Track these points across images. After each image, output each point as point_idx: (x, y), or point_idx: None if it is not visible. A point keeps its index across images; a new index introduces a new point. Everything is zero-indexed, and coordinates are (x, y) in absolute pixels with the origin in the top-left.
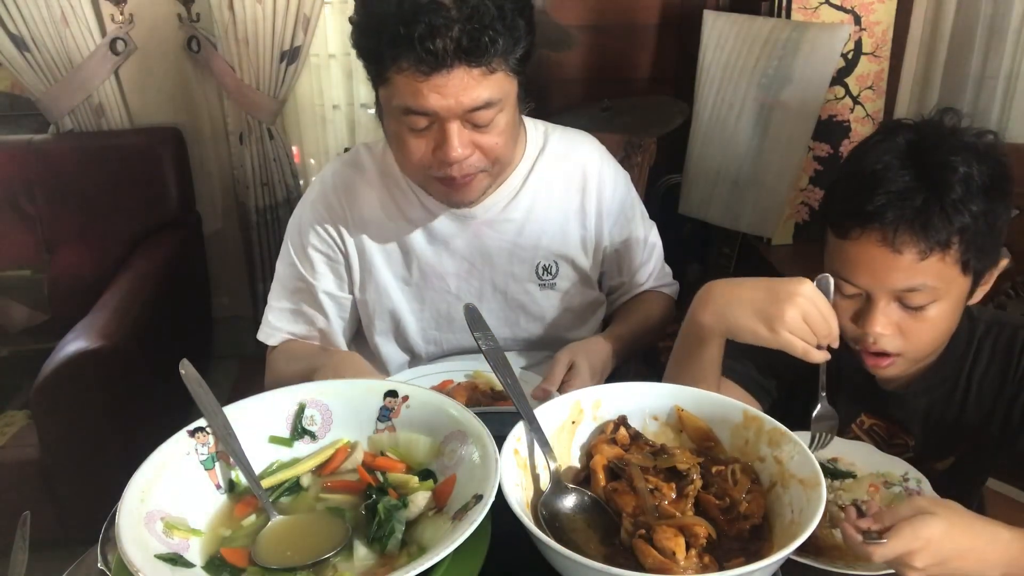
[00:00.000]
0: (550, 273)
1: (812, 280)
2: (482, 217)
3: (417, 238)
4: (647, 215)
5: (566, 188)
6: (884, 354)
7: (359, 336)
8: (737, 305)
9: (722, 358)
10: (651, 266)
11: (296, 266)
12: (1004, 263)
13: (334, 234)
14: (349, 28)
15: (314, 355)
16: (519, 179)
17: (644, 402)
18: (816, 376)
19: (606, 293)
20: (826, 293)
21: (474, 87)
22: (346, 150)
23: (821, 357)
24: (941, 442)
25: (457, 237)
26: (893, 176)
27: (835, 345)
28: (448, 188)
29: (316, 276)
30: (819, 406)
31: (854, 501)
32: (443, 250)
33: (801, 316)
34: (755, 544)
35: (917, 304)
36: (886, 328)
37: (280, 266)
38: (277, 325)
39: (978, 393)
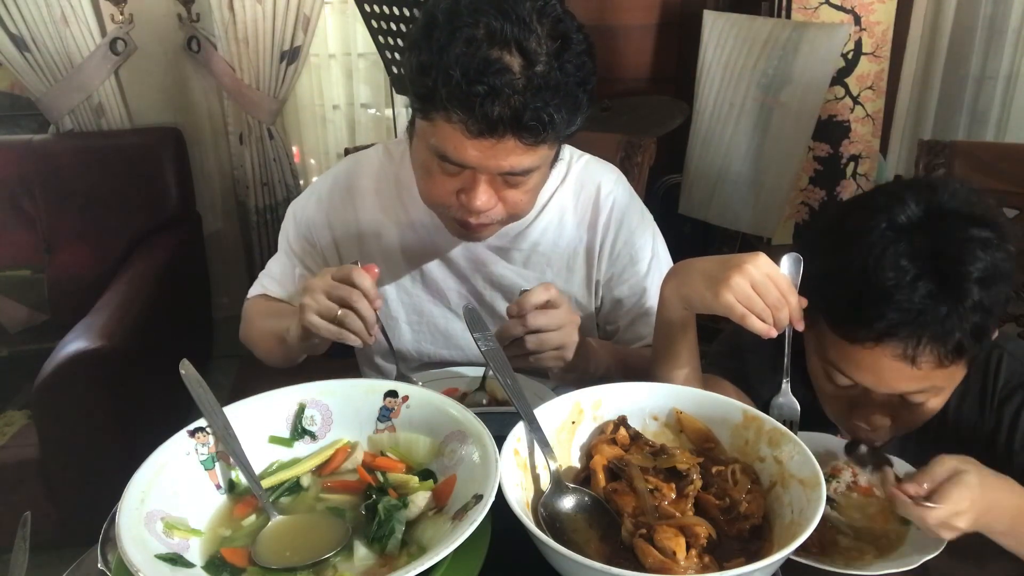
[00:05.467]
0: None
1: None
2: (491, 242)
3: (422, 250)
4: (665, 264)
5: (578, 225)
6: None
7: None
8: (693, 273)
9: (695, 339)
10: (653, 321)
11: (288, 255)
12: (995, 333)
13: (331, 236)
14: (348, 28)
15: (284, 314)
16: (535, 210)
17: (644, 402)
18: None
19: (601, 338)
20: (794, 271)
21: (519, 155)
22: (346, 150)
23: (762, 327)
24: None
25: (463, 257)
26: (907, 290)
27: (798, 326)
28: (461, 228)
29: (295, 280)
30: (779, 394)
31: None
32: (447, 267)
33: (748, 283)
34: (755, 544)
35: (920, 401)
36: (885, 420)
37: (281, 241)
38: (265, 284)
39: (956, 422)
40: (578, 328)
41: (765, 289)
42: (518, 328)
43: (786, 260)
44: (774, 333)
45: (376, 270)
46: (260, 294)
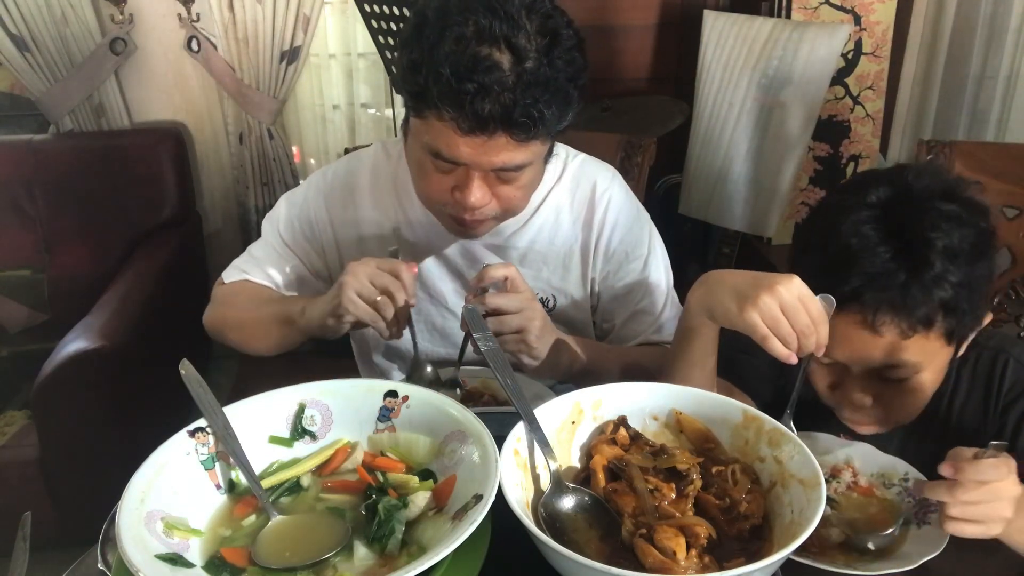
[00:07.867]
0: (547, 305)
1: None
2: (487, 240)
3: (419, 250)
4: (662, 261)
5: (573, 223)
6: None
7: (345, 339)
8: (721, 286)
9: (715, 349)
10: (649, 318)
11: (275, 246)
12: (989, 318)
13: (332, 234)
14: (348, 28)
15: (284, 299)
16: (531, 208)
17: (644, 402)
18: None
19: (597, 336)
20: (827, 309)
21: (511, 151)
22: (346, 150)
23: (783, 352)
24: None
25: (459, 257)
26: (870, 255)
27: (819, 353)
28: (457, 224)
29: (278, 272)
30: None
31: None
32: (444, 265)
33: (777, 304)
34: (755, 544)
35: (898, 377)
36: (866, 399)
37: (268, 230)
38: (247, 271)
39: (958, 425)
40: (541, 316)
41: (794, 313)
42: (479, 308)
43: (819, 300)
44: (795, 360)
45: (416, 269)
46: (241, 280)
